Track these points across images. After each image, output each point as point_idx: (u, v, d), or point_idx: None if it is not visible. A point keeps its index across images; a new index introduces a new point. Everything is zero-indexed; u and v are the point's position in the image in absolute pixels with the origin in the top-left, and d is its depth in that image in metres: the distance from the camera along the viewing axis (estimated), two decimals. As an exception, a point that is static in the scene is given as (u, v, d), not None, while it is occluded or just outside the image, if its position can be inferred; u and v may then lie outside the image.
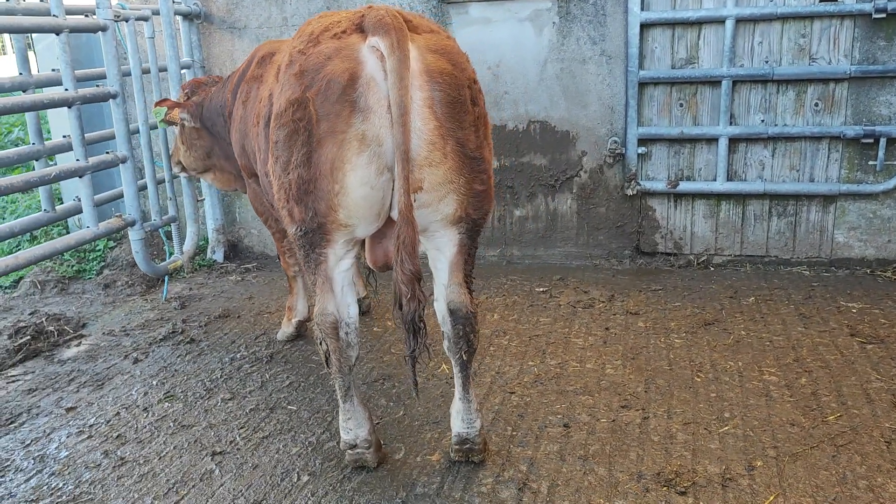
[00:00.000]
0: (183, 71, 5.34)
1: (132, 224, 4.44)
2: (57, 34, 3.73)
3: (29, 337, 4.59)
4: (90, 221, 4.12)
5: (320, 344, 3.04)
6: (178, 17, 5.56)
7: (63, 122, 4.37)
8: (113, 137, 4.54)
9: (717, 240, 5.35)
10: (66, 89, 3.82)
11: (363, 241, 3.12)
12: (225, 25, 5.74)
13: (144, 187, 4.80)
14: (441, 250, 3.01)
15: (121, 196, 5.08)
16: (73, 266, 5.85)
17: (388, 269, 3.16)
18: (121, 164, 4.29)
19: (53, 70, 4.24)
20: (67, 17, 3.79)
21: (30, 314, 5.07)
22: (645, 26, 5.07)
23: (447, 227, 2.93)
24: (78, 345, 4.63)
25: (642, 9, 5.02)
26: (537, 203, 5.58)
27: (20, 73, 4.07)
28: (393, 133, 2.60)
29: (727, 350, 4.04)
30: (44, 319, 4.90)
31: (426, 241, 3.10)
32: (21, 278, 5.76)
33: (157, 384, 4.03)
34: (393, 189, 2.77)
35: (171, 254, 5.40)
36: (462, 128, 2.73)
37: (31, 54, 4.71)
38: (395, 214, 2.81)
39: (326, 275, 2.97)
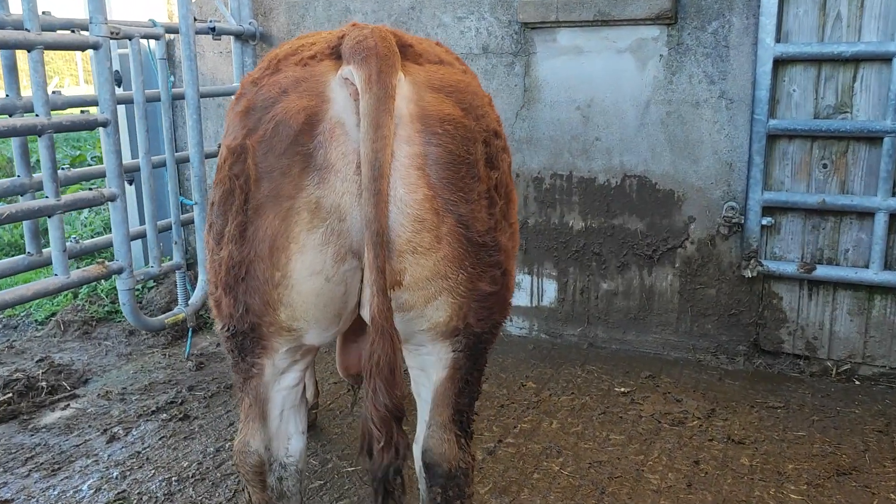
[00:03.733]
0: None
1: (118, 272, 3.77)
2: (28, 51, 3.14)
3: (13, 394, 4.02)
4: (59, 268, 3.48)
5: (243, 491, 2.15)
6: (230, 38, 4.95)
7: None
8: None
9: (867, 345, 4.05)
10: (37, 115, 3.21)
11: (317, 348, 2.23)
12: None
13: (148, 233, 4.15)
14: (426, 371, 2.15)
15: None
16: (104, 306, 5.34)
17: (360, 382, 2.31)
18: (109, 203, 3.63)
19: (54, 92, 3.66)
20: (44, 32, 3.19)
21: (37, 361, 4.54)
22: (780, 63, 3.90)
23: (437, 341, 2.06)
24: (64, 408, 4.00)
25: (777, 40, 3.87)
26: (630, 276, 4.49)
27: (6, 95, 3.52)
28: (362, 204, 1.81)
29: (867, 525, 2.82)
30: (45, 370, 4.36)
31: (407, 357, 2.21)
32: (54, 313, 5.30)
33: (116, 477, 3.30)
34: (362, 283, 1.97)
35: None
36: (468, 200, 1.91)
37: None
38: (366, 315, 1.98)
39: (258, 394, 2.11)
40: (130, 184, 5.22)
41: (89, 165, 8.60)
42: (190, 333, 4.75)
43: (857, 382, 4.06)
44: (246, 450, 2.11)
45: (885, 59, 3.70)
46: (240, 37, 4.94)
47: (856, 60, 3.77)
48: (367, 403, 1.86)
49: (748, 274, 4.12)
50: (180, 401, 4.03)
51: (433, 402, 2.13)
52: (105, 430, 3.73)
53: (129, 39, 3.72)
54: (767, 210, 4.06)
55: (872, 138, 3.80)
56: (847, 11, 3.78)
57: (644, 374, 4.22)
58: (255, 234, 1.88)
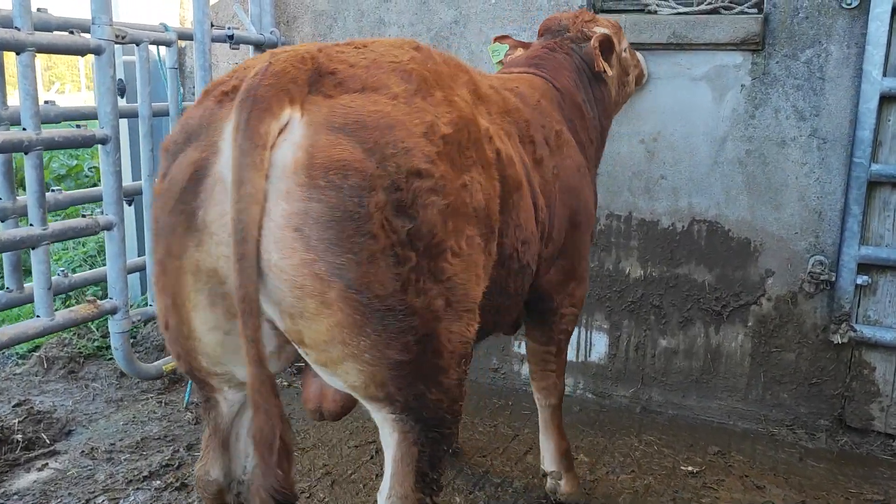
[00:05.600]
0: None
1: (112, 312, 3.21)
2: (17, 53, 2.61)
3: (-17, 449, 3.46)
4: (42, 309, 2.92)
5: None
6: (249, 48, 4.43)
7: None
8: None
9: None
10: (24, 128, 2.67)
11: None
12: None
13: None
14: (382, 437, 1.98)
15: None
16: (94, 340, 4.77)
17: (323, 417, 2.12)
18: (105, 232, 3.09)
19: (46, 102, 3.12)
20: (37, 32, 2.66)
21: (14, 406, 3.97)
22: (887, 99, 3.39)
23: (369, 404, 1.90)
24: (42, 468, 3.43)
25: (885, 73, 3.36)
26: (693, 333, 3.95)
27: (-8, 105, 2.98)
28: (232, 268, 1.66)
29: None
30: (23, 419, 3.80)
31: None
32: (38, 347, 4.74)
33: (98, 568, 2.74)
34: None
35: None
36: (359, 263, 1.65)
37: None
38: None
39: (216, 424, 2.07)
40: (130, 205, 4.67)
41: (86, 177, 8.03)
42: (190, 381, 4.19)
43: (961, 468, 3.52)
44: (206, 478, 2.09)
45: None
46: (260, 47, 4.42)
47: (977, 100, 3.27)
48: (253, 480, 1.89)
49: (837, 339, 3.58)
50: (177, 463, 3.47)
51: (392, 468, 1.94)
52: (87, 502, 3.16)
53: (137, 45, 3.19)
54: (864, 267, 3.53)
55: None
56: (969, 43, 3.28)
57: (712, 449, 3.66)
58: (164, 289, 1.82)
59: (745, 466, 3.52)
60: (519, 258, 2.31)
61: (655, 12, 3.78)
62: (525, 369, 4.33)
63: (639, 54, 3.57)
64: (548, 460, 3.13)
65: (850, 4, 3.40)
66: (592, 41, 3.07)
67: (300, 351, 1.81)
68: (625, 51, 3.32)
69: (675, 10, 3.74)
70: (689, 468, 3.49)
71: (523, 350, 4.33)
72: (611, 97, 3.27)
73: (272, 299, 1.70)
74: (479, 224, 1.93)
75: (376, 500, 1.93)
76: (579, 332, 4.19)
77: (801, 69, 3.54)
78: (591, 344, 4.19)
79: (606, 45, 3.11)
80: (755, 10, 3.62)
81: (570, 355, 4.22)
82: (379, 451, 3.56)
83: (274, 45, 4.44)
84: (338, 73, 1.81)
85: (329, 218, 1.63)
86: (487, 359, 4.42)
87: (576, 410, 4.11)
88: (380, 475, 3.34)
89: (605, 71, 3.10)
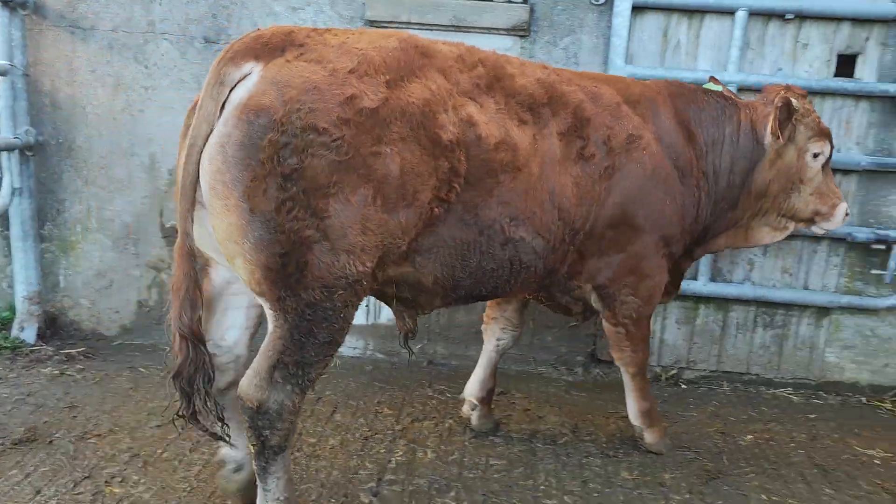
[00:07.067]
0: (-4, 77, 3.77)
1: None
2: None
3: None
4: None
5: None
6: (-4, 4, 3.97)
7: None
8: None
9: (691, 351, 4.37)
10: None
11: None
12: (64, 23, 4.18)
13: None
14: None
15: None
16: None
17: None
18: None
19: None
20: None
21: None
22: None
23: (258, 299, 2.43)
24: None
25: (627, 61, 4.01)
26: (472, 290, 4.38)
27: None
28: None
29: (755, 529, 2.99)
30: None
31: None
32: None
33: None
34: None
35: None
36: (250, 180, 2.22)
37: None
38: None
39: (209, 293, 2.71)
40: None
41: None
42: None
43: (683, 386, 4.37)
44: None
45: (716, 87, 4.00)
46: (7, 3, 3.98)
47: (692, 87, 4.04)
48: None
49: (592, 287, 4.22)
50: (-47, 466, 3.11)
51: (261, 349, 2.44)
52: None
53: None
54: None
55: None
56: (686, 40, 4.04)
57: (496, 391, 4.13)
58: None
59: (525, 402, 4.03)
60: (504, 231, 2.75)
61: (434, -4, 4.10)
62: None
63: (842, 204, 3.39)
64: (632, 415, 3.57)
65: (597, 2, 3.99)
66: (778, 98, 3.19)
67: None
68: (814, 157, 3.30)
69: (452, -5, 4.09)
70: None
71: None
72: (760, 180, 3.31)
73: (202, 197, 2.30)
74: (384, 188, 2.35)
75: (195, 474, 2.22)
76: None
77: (560, 55, 4.08)
78: (380, 307, 4.44)
79: (786, 112, 3.19)
80: (522, 0, 4.09)
81: (360, 318, 4.45)
82: (185, 427, 3.50)
83: (24, 4, 4.03)
84: (305, 46, 2.36)
85: (240, 143, 2.21)
86: (277, 328, 4.47)
87: (369, 370, 4.36)
88: (194, 449, 3.32)
89: (774, 133, 3.21)
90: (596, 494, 3.17)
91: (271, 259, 2.27)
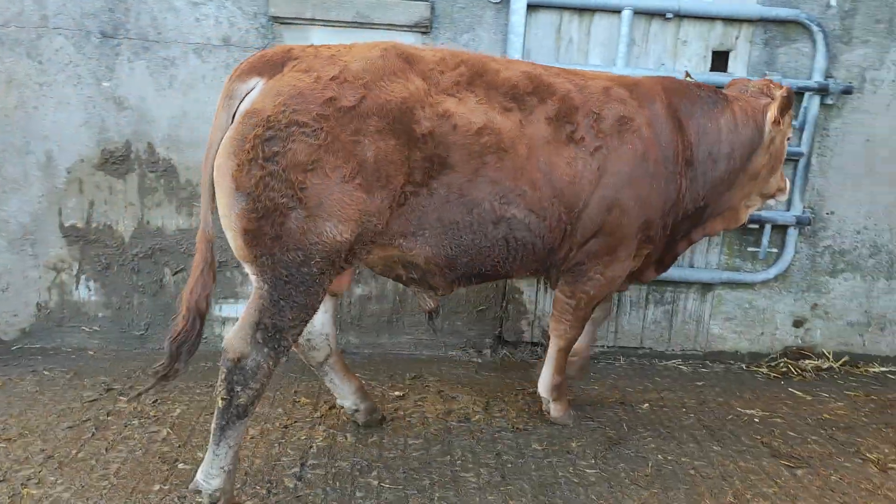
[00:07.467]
0: None
1: None
2: None
3: None
4: None
5: None
6: None
7: None
8: None
9: (590, 329, 4.65)
10: None
11: None
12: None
13: None
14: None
15: None
16: None
17: (336, 295, 3.53)
18: None
19: None
20: None
21: None
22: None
23: (243, 264, 2.84)
24: None
25: (523, 57, 4.23)
26: (383, 280, 4.51)
27: None
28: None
29: (654, 486, 3.26)
30: None
31: None
32: None
33: None
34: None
35: None
36: (237, 167, 2.66)
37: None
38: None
39: None
40: None
41: None
42: None
43: (583, 362, 4.65)
44: None
45: (606, 81, 4.28)
46: None
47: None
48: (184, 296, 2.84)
49: (497, 272, 4.43)
50: None
51: (246, 308, 2.80)
52: None
53: None
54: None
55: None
56: (578, 36, 4.29)
57: (409, 375, 4.28)
58: None
59: (438, 384, 4.20)
60: (495, 210, 3.05)
61: (337, -8, 4.18)
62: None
63: (788, 181, 3.88)
64: (541, 387, 3.78)
65: (495, 0, 4.19)
66: (783, 90, 3.58)
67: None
68: (788, 140, 3.70)
69: (354, -8, 4.19)
70: (396, 393, 4.06)
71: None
72: (757, 164, 3.64)
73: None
74: (363, 170, 2.73)
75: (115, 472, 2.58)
76: (280, 289, 4.47)
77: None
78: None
79: (787, 103, 3.57)
80: (422, -2, 4.23)
81: (272, 312, 4.49)
82: (99, 427, 3.48)
83: None
84: (300, 59, 2.79)
85: (236, 138, 2.67)
86: (187, 325, 4.46)
87: (283, 361, 4.39)
88: (110, 448, 3.31)
89: (776, 122, 3.55)
90: (510, 465, 3.37)
91: (250, 223, 2.66)
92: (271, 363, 2.81)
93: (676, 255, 3.81)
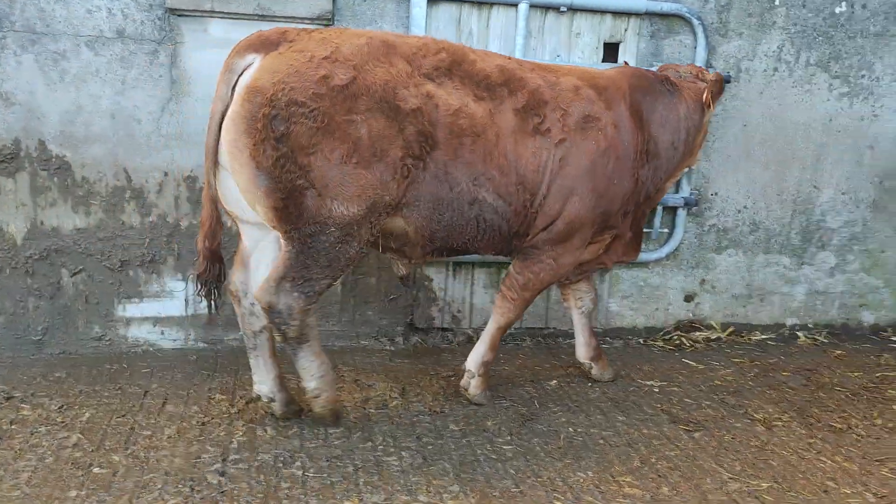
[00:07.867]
0: None
1: None
2: None
3: None
4: None
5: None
6: None
7: None
8: None
9: (498, 312, 4.81)
10: None
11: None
12: None
13: None
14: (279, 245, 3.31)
15: None
16: None
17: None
18: None
19: None
20: None
21: None
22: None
23: (274, 229, 3.22)
24: None
25: (425, 49, 4.31)
26: (292, 273, 4.50)
27: None
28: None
29: (567, 457, 3.44)
30: None
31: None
32: None
33: None
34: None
35: None
36: (252, 144, 2.97)
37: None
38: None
39: (241, 249, 3.56)
40: None
41: None
42: None
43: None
44: (230, 283, 3.52)
45: (506, 72, 4.43)
46: None
47: (485, 72, 4.43)
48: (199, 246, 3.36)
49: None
50: None
51: (273, 265, 3.26)
52: None
53: None
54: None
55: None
56: (477, 29, 4.42)
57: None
58: None
59: (353, 373, 4.25)
60: (470, 191, 3.32)
61: (236, -16, 4.14)
62: (131, 332, 4.38)
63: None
64: (471, 361, 3.91)
65: (394, -7, 4.25)
66: (713, 76, 3.93)
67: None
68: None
69: (254, -16, 4.16)
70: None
71: (128, 313, 4.37)
72: (698, 142, 3.99)
73: (223, 159, 3.13)
74: (358, 148, 3.03)
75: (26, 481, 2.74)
76: (187, 287, 4.40)
77: (364, 41, 4.29)
78: (198, 299, 4.41)
79: (719, 87, 3.95)
80: (324, -10, 4.24)
81: (178, 310, 4.42)
82: (3, 437, 3.34)
83: None
84: (296, 40, 3.08)
85: (244, 116, 2.97)
86: (89, 329, 4.32)
87: (193, 359, 4.34)
88: (18, 457, 3.18)
89: (709, 106, 3.89)
90: (430, 447, 3.47)
91: (277, 202, 3.02)
92: (303, 303, 3.20)
93: (641, 231, 4.19)
